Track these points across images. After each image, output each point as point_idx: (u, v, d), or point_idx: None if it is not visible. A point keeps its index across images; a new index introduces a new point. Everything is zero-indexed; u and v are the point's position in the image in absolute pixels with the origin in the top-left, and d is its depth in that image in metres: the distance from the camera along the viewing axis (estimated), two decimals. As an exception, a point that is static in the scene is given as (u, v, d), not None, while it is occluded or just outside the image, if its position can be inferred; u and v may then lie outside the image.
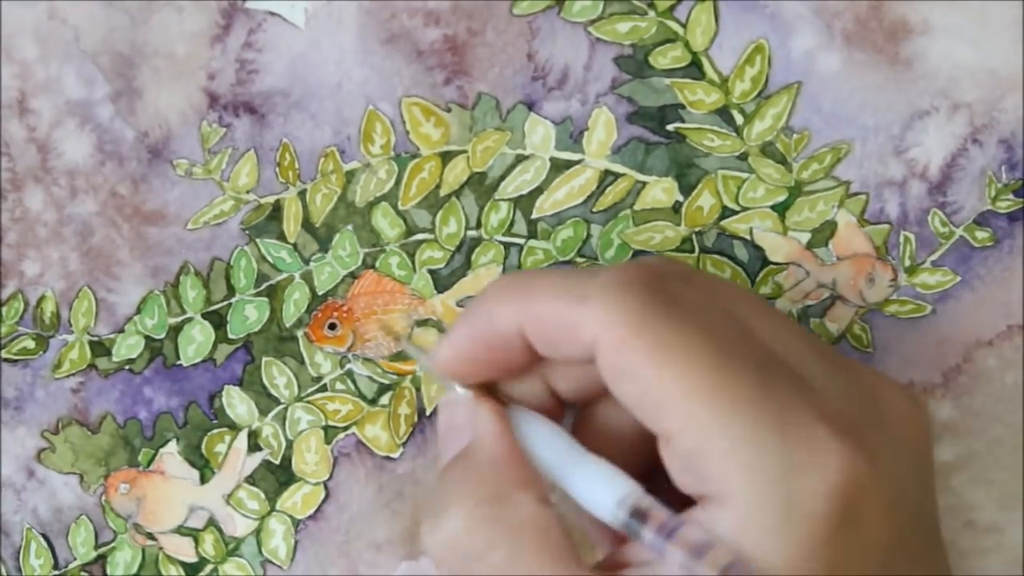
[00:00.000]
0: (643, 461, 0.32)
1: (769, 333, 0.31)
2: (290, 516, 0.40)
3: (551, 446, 0.32)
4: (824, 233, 0.39)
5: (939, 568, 0.32)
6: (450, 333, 0.33)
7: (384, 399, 0.40)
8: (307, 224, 0.40)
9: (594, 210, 0.39)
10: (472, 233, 0.40)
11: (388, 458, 0.40)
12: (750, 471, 0.28)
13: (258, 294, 0.40)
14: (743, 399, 0.29)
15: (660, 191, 0.39)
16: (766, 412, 0.28)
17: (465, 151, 0.39)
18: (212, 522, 0.40)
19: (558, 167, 0.39)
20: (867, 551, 0.29)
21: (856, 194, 0.39)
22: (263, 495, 0.40)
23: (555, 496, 0.32)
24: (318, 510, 0.40)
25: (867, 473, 0.28)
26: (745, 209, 0.39)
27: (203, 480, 0.40)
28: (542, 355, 0.32)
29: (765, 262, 0.39)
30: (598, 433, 0.33)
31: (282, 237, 0.40)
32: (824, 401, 0.29)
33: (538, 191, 0.39)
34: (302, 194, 0.40)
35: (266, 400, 0.40)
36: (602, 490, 0.31)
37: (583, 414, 0.34)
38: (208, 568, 0.40)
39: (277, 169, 0.40)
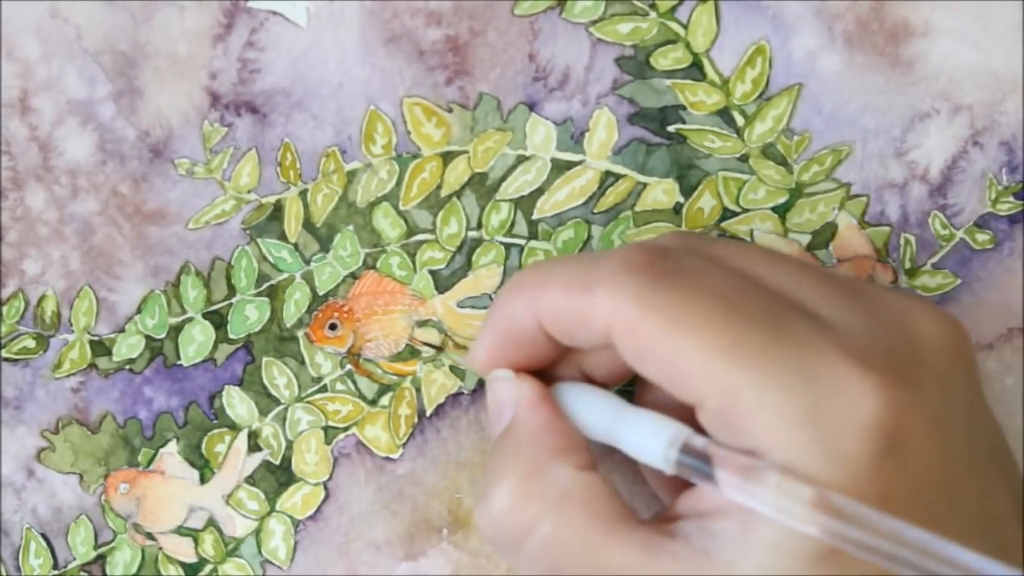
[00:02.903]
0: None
1: (783, 281, 0.31)
2: (290, 516, 0.40)
3: (597, 410, 0.33)
4: (824, 235, 0.39)
5: (1005, 484, 0.32)
6: (479, 334, 0.34)
7: (384, 400, 0.40)
8: (308, 224, 0.40)
9: (595, 211, 0.39)
10: (473, 234, 0.40)
11: (388, 459, 0.40)
12: (778, 416, 0.28)
13: (259, 294, 0.40)
14: (759, 348, 0.29)
15: (661, 192, 0.39)
16: (784, 356, 0.29)
17: (466, 151, 0.39)
18: (212, 522, 0.40)
19: (559, 168, 0.39)
20: (917, 478, 0.29)
21: (857, 196, 0.39)
22: (263, 495, 0.40)
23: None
24: (318, 510, 0.40)
25: (905, 403, 0.28)
26: (746, 211, 0.39)
27: (203, 480, 0.40)
28: (566, 345, 0.33)
29: (766, 263, 0.39)
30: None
31: (283, 237, 0.40)
32: (849, 337, 0.29)
33: (539, 192, 0.39)
34: (303, 194, 0.40)
35: (266, 400, 0.40)
36: (651, 437, 0.31)
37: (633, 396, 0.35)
38: (208, 568, 0.40)
39: (278, 169, 0.40)
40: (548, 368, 0.34)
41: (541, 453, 0.32)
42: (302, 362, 0.40)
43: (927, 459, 0.29)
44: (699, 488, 0.31)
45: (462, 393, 0.40)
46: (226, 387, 0.40)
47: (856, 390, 0.28)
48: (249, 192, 0.40)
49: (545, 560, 0.31)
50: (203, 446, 0.40)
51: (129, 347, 0.40)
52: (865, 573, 0.28)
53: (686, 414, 0.31)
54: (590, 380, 0.34)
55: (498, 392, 0.34)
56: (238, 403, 0.40)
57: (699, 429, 0.31)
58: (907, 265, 0.39)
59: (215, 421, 0.40)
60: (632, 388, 0.36)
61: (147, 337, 0.40)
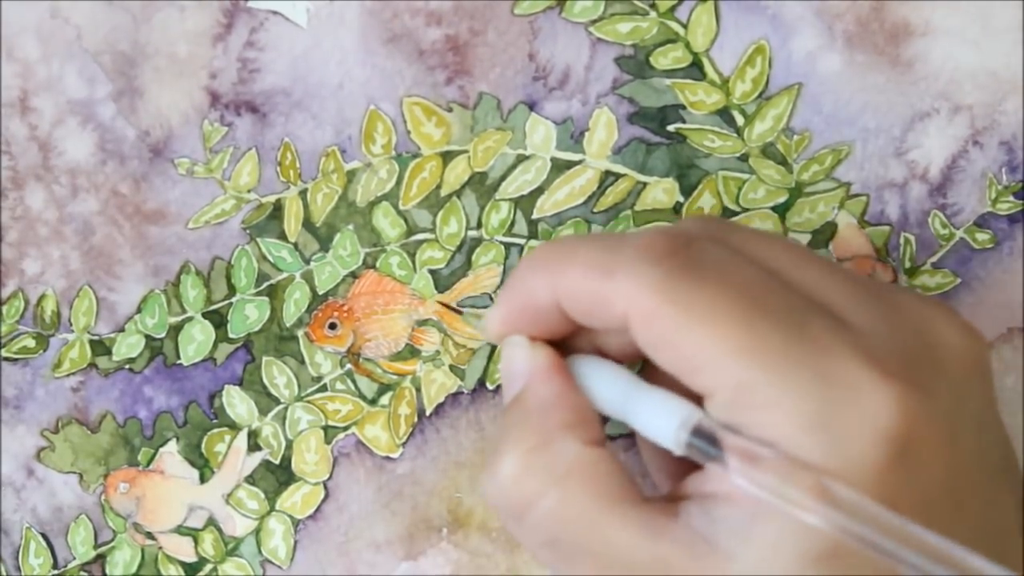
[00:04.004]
0: None
1: (807, 279, 0.31)
2: (290, 516, 0.40)
3: (611, 385, 0.33)
4: (824, 235, 0.39)
5: (1010, 498, 0.31)
6: (496, 304, 0.34)
7: (384, 399, 0.40)
8: (308, 224, 0.40)
9: (595, 211, 0.39)
10: (473, 233, 0.40)
11: (388, 458, 0.40)
12: (789, 416, 0.28)
13: (259, 293, 0.40)
14: (777, 347, 0.28)
15: (661, 192, 0.39)
16: (801, 356, 0.28)
17: (466, 151, 0.39)
18: (211, 522, 0.40)
19: (559, 167, 0.39)
20: (924, 488, 0.28)
21: (856, 195, 0.39)
22: (263, 495, 0.40)
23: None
24: (318, 510, 0.40)
25: (920, 412, 0.28)
26: (745, 210, 0.39)
27: (203, 480, 0.40)
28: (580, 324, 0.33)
29: (765, 263, 0.39)
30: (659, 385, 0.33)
31: (283, 236, 0.40)
32: (868, 341, 0.29)
33: (539, 191, 0.39)
34: (303, 193, 0.40)
35: (266, 400, 0.40)
36: (663, 417, 0.31)
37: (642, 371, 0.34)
38: (207, 568, 0.40)
39: (278, 168, 0.40)
40: (563, 340, 0.34)
41: (550, 425, 0.32)
42: (302, 361, 0.40)
43: (936, 469, 0.29)
44: (706, 471, 0.30)
45: (462, 393, 0.40)
46: (226, 386, 0.40)
47: (871, 396, 0.28)
48: (249, 192, 0.40)
49: (547, 533, 0.31)
50: (203, 445, 0.40)
51: (129, 346, 0.40)
52: None
53: (693, 397, 0.31)
54: (603, 355, 0.34)
55: (512, 359, 0.34)
56: (238, 402, 0.40)
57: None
58: (907, 264, 0.39)
59: (215, 420, 0.40)
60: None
61: (147, 336, 0.40)
